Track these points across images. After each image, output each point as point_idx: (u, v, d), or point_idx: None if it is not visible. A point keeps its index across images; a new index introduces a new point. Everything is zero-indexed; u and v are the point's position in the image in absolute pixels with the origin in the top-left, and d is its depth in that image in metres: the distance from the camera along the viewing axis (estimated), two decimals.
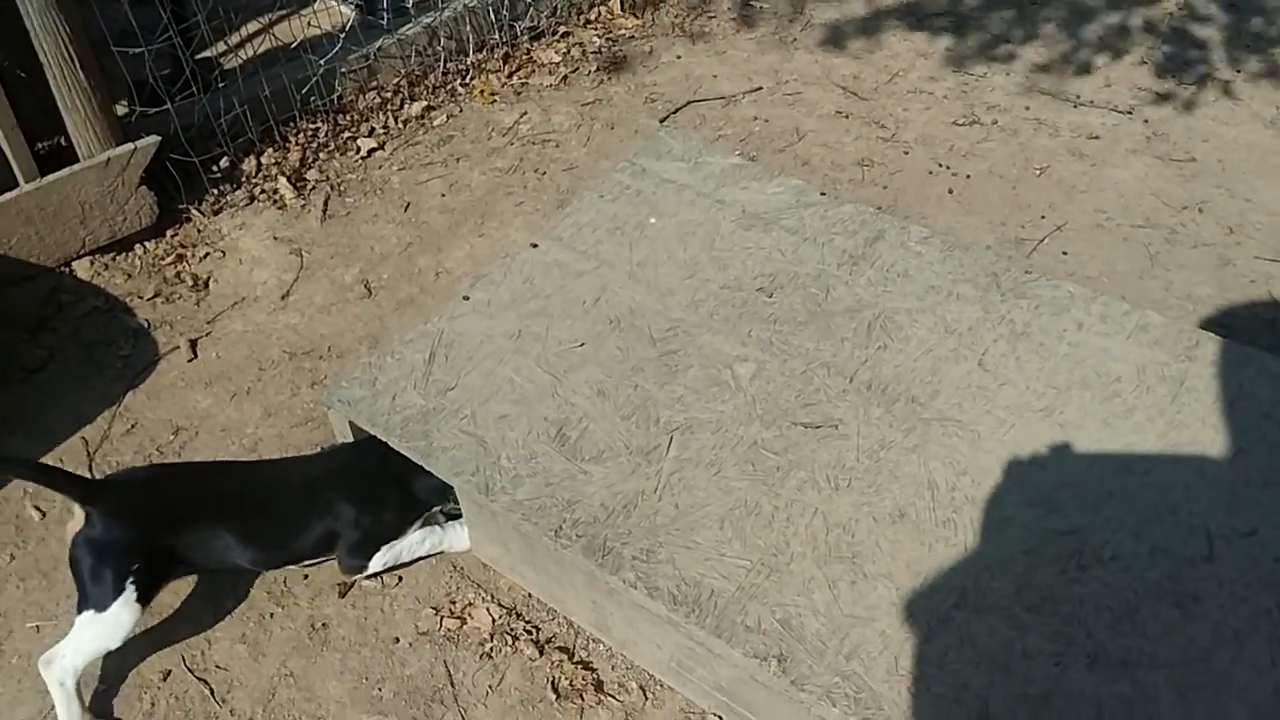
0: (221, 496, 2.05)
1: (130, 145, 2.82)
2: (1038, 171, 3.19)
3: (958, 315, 2.22)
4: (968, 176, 3.19)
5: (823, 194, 2.54)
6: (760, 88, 3.58)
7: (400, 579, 2.20)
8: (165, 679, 2.04)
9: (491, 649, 2.07)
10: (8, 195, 2.70)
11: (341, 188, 3.23)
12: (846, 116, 3.46)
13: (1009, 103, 3.48)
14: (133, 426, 2.53)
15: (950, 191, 3.13)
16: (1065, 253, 2.90)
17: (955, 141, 3.29)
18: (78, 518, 1.93)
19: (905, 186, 3.15)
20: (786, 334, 2.21)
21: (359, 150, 3.35)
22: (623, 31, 3.91)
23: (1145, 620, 1.68)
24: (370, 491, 2.12)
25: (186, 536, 1.97)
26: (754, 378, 2.12)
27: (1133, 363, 2.09)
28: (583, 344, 2.22)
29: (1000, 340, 2.15)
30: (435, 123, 3.49)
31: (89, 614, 1.88)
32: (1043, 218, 3.03)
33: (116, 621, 1.88)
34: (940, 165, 3.23)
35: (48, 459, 2.44)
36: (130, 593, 1.88)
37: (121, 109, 2.98)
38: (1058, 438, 1.96)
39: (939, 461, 1.94)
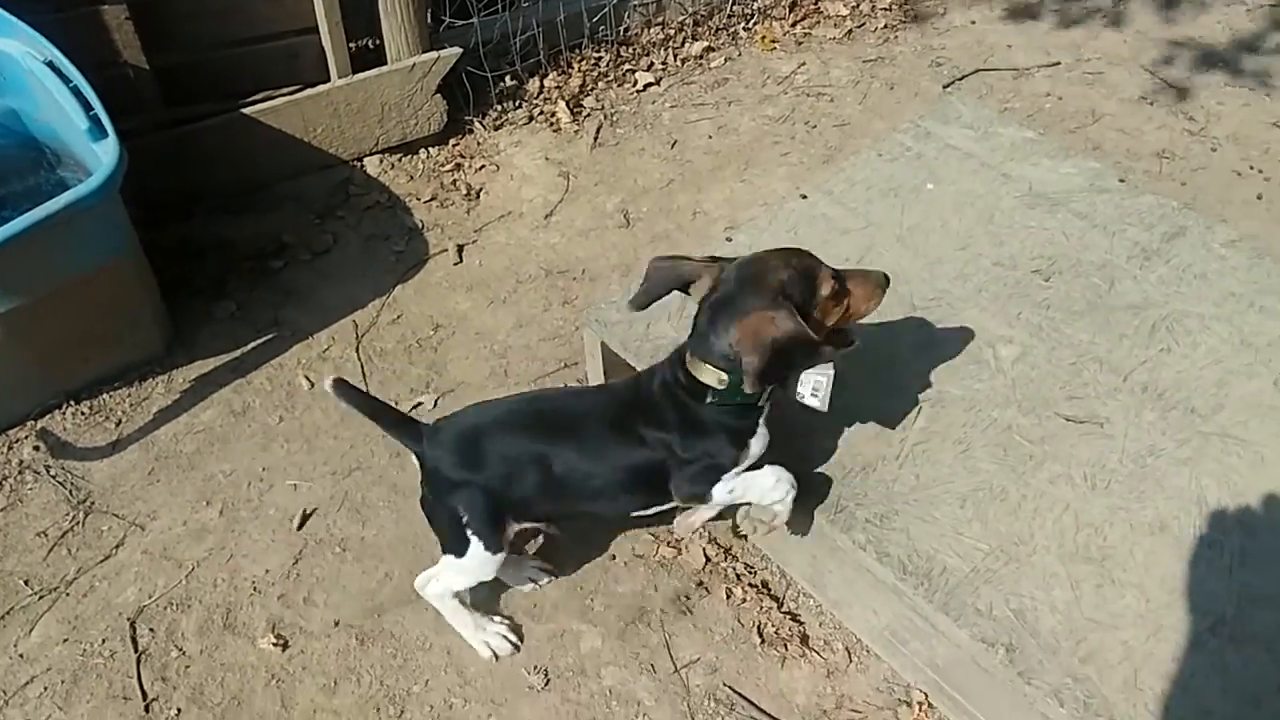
0: (544, 437, 1.81)
1: (435, 54, 2.97)
2: None
3: (1257, 328, 2.03)
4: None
5: (1121, 180, 2.37)
6: (1058, 63, 3.38)
7: None
8: None
9: (702, 583, 2.10)
10: (320, 87, 2.91)
11: (614, 118, 3.29)
12: (1151, 103, 3.21)
13: None
14: (398, 317, 2.70)
15: (1259, 197, 2.86)
16: None
17: (1273, 144, 2.99)
18: (415, 468, 1.86)
19: (1208, 186, 2.90)
20: (1059, 321, 2.09)
21: (636, 83, 3.40)
22: None
23: None
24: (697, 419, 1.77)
25: (518, 485, 1.79)
26: (1017, 361, 2.02)
27: None
28: None
29: None
30: (713, 64, 3.49)
31: (449, 558, 1.86)
32: None
33: (477, 565, 1.84)
34: (1252, 168, 2.95)
35: (321, 336, 2.64)
36: (477, 542, 1.80)
37: (429, 19, 3.13)
38: None
39: (1212, 479, 1.79)
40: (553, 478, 1.78)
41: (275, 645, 2.02)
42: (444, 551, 1.87)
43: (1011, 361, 2.02)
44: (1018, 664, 1.57)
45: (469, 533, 1.80)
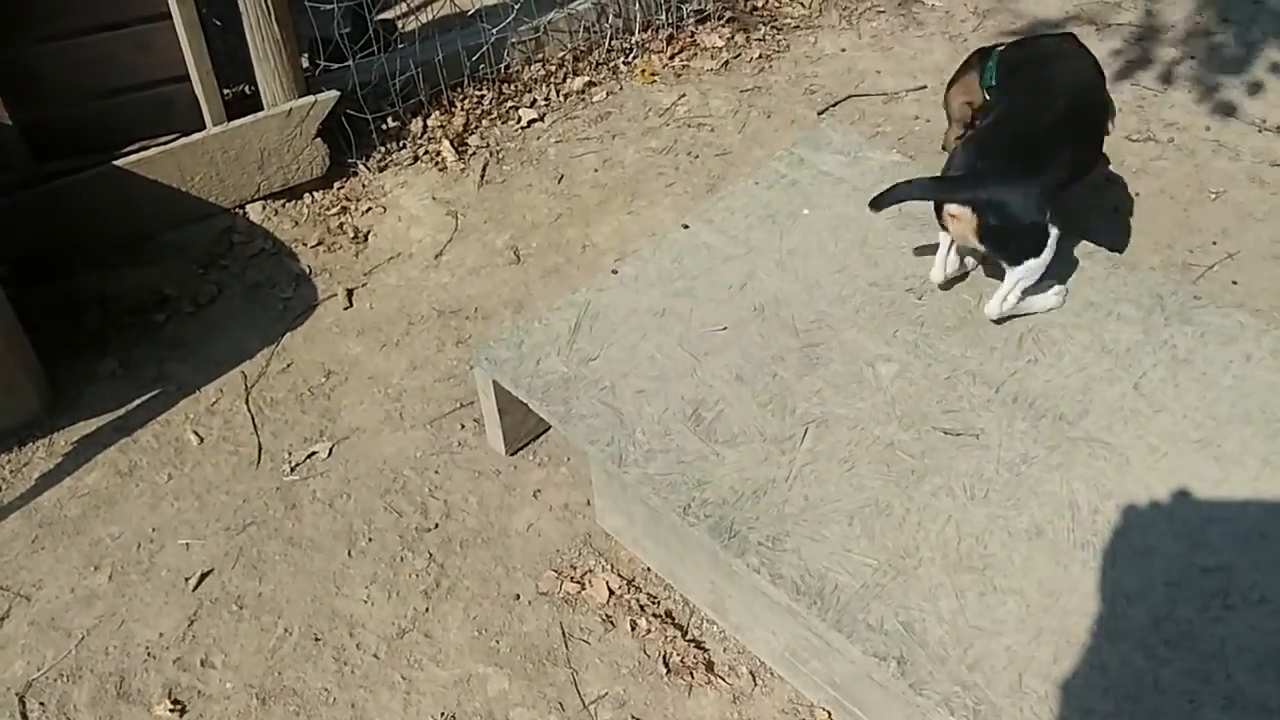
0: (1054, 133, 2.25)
1: (311, 98, 2.96)
2: (1213, 195, 3.05)
3: (1116, 335, 2.14)
4: (1136, 194, 3.06)
5: None
6: (924, 86, 3.51)
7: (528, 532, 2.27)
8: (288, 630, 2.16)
9: (607, 616, 2.12)
10: (195, 136, 2.87)
11: (500, 155, 3.31)
12: None
13: (1188, 121, 3.32)
14: (288, 366, 2.67)
15: (1116, 209, 3.02)
16: (1235, 282, 2.77)
17: (1127, 157, 3.17)
18: (965, 217, 2.11)
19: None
20: (933, 337, 2.17)
21: (520, 120, 3.43)
22: (788, 20, 3.89)
23: None
24: None
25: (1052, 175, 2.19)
26: (896, 378, 2.10)
27: None
28: (725, 328, 2.23)
29: (1160, 365, 2.07)
30: (595, 98, 3.54)
31: (1029, 263, 2.12)
32: (1214, 243, 2.89)
33: (1049, 253, 2.14)
34: (1107, 180, 3.11)
35: (209, 389, 2.60)
36: (1053, 230, 2.14)
37: (303, 63, 3.12)
38: (1213, 472, 1.88)
39: (1082, 482, 1.88)
40: (1066, 162, 2.22)
41: (172, 711, 1.97)
42: (1015, 263, 2.13)
43: (891, 379, 2.10)
44: (909, 676, 1.63)
45: (1049, 225, 2.13)
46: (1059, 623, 1.68)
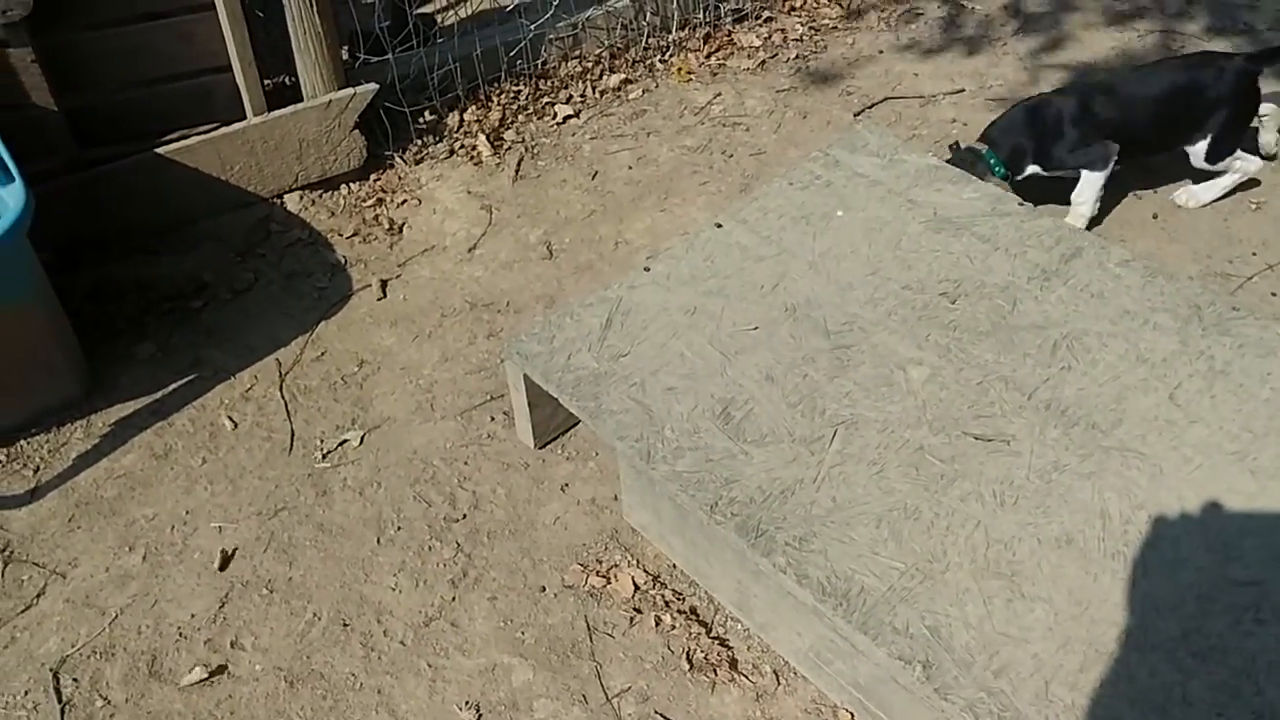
0: None
1: (351, 90, 2.99)
2: (1254, 206, 3.01)
3: (1152, 345, 2.13)
4: (1177, 204, 3.04)
5: (1021, 204, 2.47)
6: (962, 90, 3.50)
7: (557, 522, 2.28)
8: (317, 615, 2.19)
9: (633, 611, 2.13)
10: (236, 125, 2.90)
11: (535, 150, 3.33)
12: None
13: None
14: (322, 354, 2.69)
15: (1155, 216, 2.99)
16: (1275, 294, 2.74)
17: (1165, 166, 3.13)
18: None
19: (1106, 206, 3.02)
20: (966, 343, 2.17)
21: (555, 116, 3.44)
22: (826, 21, 3.88)
23: None
24: None
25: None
26: (927, 382, 2.10)
27: None
28: (756, 328, 2.24)
29: (1196, 376, 2.06)
30: (631, 96, 3.55)
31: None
32: (1254, 254, 2.86)
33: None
34: (1146, 187, 3.09)
35: (243, 375, 2.63)
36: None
37: (344, 55, 3.15)
38: (1248, 485, 1.86)
39: (1114, 492, 1.87)
40: None
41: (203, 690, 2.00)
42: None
43: (922, 383, 2.09)
44: (934, 680, 1.62)
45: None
46: (1087, 632, 1.67)
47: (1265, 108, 2.99)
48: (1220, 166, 2.91)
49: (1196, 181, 3.01)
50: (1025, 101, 2.94)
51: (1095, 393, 2.05)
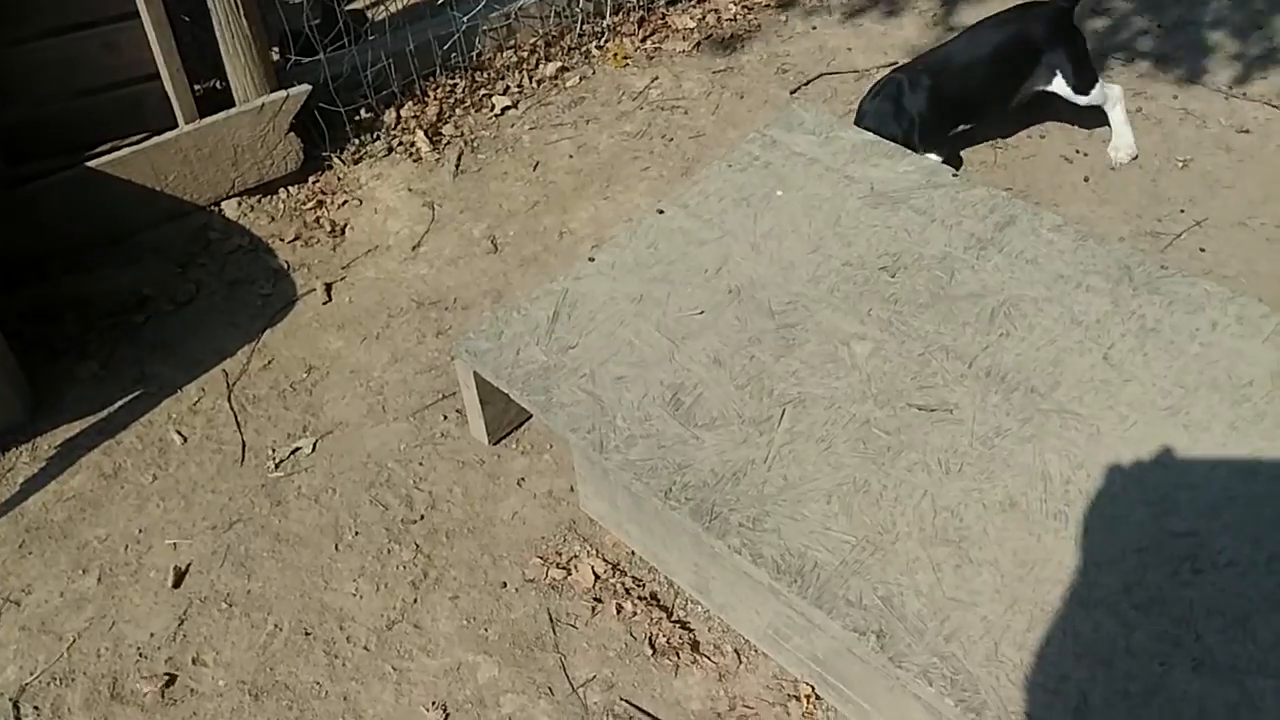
0: None
1: (283, 92, 2.96)
2: (1180, 163, 3.08)
3: (1086, 307, 2.17)
4: (1107, 164, 3.09)
5: (954, 175, 2.50)
6: (895, 62, 3.52)
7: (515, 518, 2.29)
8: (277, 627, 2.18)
9: (594, 601, 2.15)
10: (168, 135, 2.86)
11: (475, 144, 3.31)
12: None
13: (1156, 90, 3.35)
14: (269, 362, 2.68)
15: (1086, 179, 3.05)
16: (1203, 249, 2.81)
17: (1096, 128, 3.19)
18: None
19: (1039, 172, 3.08)
20: (907, 315, 2.20)
21: (493, 108, 3.43)
22: (759, 0, 3.89)
23: (1257, 628, 1.65)
24: None
25: None
26: (871, 356, 2.13)
27: (1267, 366, 2.03)
28: (702, 312, 2.26)
29: (1129, 335, 2.11)
30: (568, 84, 3.54)
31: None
32: (1182, 211, 2.92)
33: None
34: (1078, 152, 3.14)
35: (190, 388, 2.61)
36: None
37: (274, 57, 3.11)
38: (1181, 438, 1.92)
39: (1054, 453, 1.92)
40: None
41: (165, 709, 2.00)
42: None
43: (866, 357, 2.13)
44: (888, 649, 1.66)
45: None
46: (1033, 592, 1.72)
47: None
48: (1095, 96, 3.07)
49: (1110, 140, 3.12)
50: (873, 89, 3.01)
51: (1033, 357, 2.09)
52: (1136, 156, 3.11)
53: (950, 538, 1.81)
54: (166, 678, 2.04)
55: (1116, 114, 3.11)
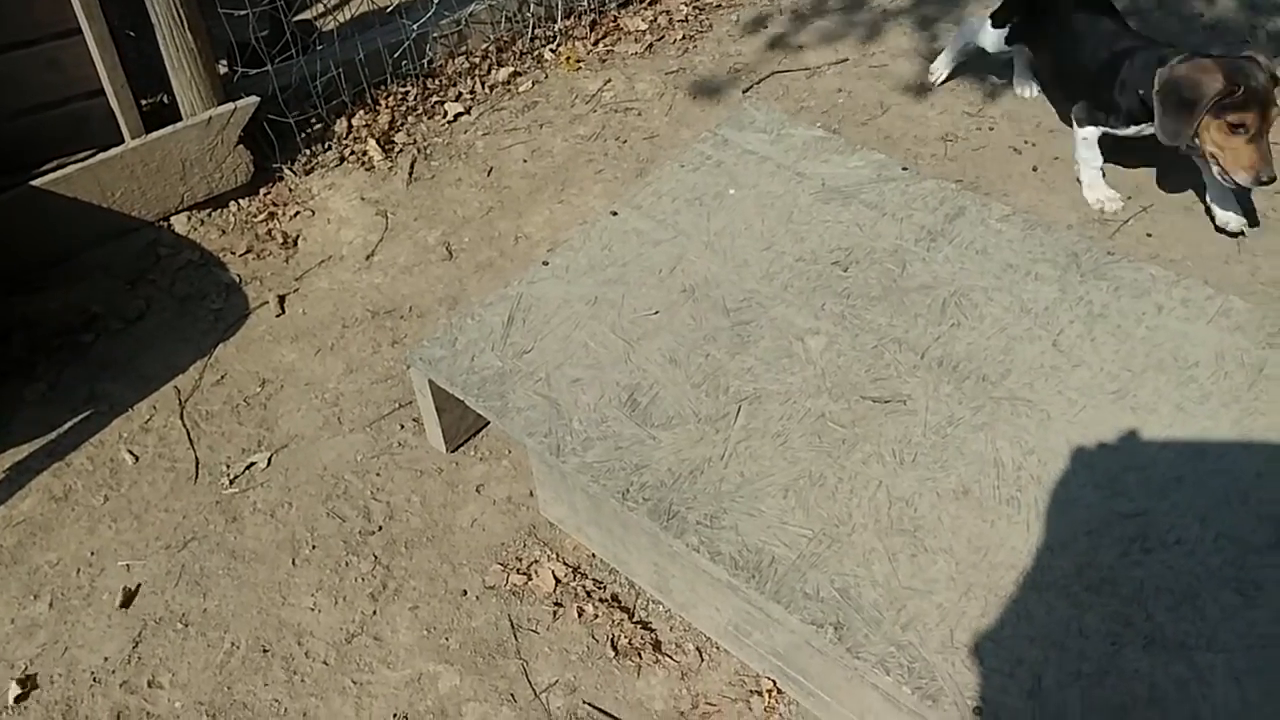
0: None
1: (231, 105, 2.92)
2: (1128, 150, 3.11)
3: (1034, 295, 2.19)
4: (1054, 156, 3.12)
5: (904, 169, 2.52)
6: (846, 59, 3.55)
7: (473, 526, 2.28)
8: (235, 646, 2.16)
9: (555, 605, 2.14)
10: (114, 150, 2.82)
11: (428, 151, 3.30)
12: (931, 91, 3.41)
13: None
14: (222, 377, 2.65)
15: (1035, 169, 3.08)
16: (1150, 234, 2.84)
17: (1043, 118, 3.23)
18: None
19: (988, 163, 3.10)
20: (860, 309, 2.21)
21: (446, 114, 3.42)
22: (709, 0, 3.90)
23: (1206, 604, 1.67)
24: None
25: None
26: (825, 351, 2.13)
27: (1212, 348, 2.05)
28: (657, 312, 2.25)
29: (1077, 321, 2.13)
30: (521, 89, 3.54)
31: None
32: (1129, 198, 2.96)
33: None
34: (1026, 142, 3.17)
35: (141, 406, 2.57)
36: None
37: (222, 69, 3.08)
38: (1129, 421, 1.93)
39: (1006, 440, 1.93)
40: None
41: None
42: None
43: (819, 351, 2.13)
44: (846, 640, 1.66)
45: None
46: (987, 578, 1.73)
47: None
48: None
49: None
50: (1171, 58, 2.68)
51: (984, 346, 2.11)
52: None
53: (905, 527, 1.82)
54: (122, 703, 2.01)
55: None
